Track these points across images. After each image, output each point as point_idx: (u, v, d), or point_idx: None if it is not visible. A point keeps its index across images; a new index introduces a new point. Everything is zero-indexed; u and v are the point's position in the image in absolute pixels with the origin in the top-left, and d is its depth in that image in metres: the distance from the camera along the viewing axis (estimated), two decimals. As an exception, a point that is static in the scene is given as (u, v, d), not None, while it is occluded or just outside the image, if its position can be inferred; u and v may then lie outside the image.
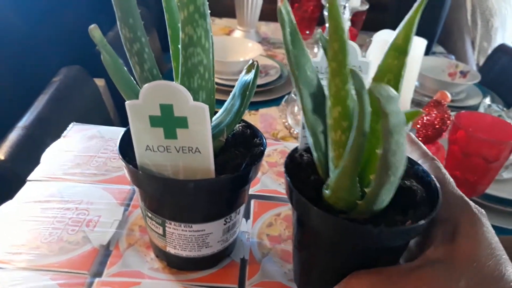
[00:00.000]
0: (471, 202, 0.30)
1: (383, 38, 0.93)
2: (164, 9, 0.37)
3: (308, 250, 0.35)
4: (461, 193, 0.31)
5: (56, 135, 0.60)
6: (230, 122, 0.38)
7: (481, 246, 0.28)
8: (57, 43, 1.25)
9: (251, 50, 1.28)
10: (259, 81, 1.17)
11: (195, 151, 0.33)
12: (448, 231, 0.29)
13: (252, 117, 1.07)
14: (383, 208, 0.30)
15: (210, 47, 0.35)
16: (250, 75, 0.38)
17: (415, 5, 0.29)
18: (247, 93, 0.38)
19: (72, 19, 1.33)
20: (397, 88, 0.30)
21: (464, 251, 0.28)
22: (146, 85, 0.30)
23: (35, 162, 0.54)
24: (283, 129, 1.08)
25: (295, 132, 1.03)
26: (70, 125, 0.61)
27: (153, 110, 0.32)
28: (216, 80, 1.12)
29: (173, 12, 0.37)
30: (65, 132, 0.60)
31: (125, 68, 0.36)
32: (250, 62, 0.38)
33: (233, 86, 1.22)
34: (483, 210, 0.30)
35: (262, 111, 1.13)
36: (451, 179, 0.32)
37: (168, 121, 0.32)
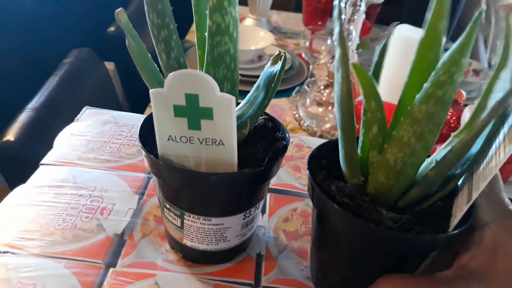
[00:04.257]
0: None
1: (401, 33, 0.92)
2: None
3: (327, 249, 0.35)
4: (507, 200, 0.29)
5: (66, 117, 0.59)
6: (253, 115, 0.37)
7: None
8: (68, 25, 1.23)
9: (263, 39, 1.26)
10: (270, 71, 1.16)
11: (219, 143, 0.32)
12: (487, 239, 0.27)
13: (262, 108, 1.06)
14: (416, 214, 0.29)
15: (237, 36, 0.33)
16: (277, 67, 0.37)
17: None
18: (272, 85, 0.36)
19: (84, 1, 1.32)
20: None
21: (504, 268, 0.26)
22: (172, 73, 0.29)
23: (45, 144, 0.54)
24: (292, 121, 1.07)
25: (305, 125, 1.02)
26: (83, 109, 0.60)
27: (178, 99, 0.31)
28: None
29: (201, -2, 0.36)
30: (78, 116, 0.59)
31: (149, 55, 0.35)
32: (277, 53, 0.37)
33: (243, 75, 1.20)
34: None
35: (272, 102, 1.10)
36: (501, 182, 0.30)
37: (193, 112, 0.31)
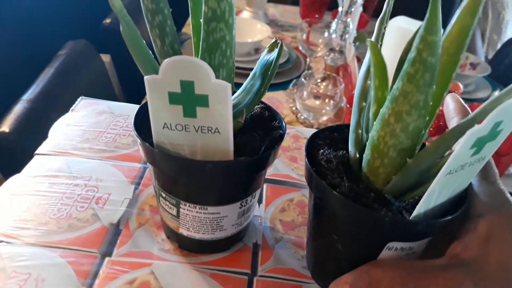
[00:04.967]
0: (511, 200, 0.28)
1: (398, 25, 0.91)
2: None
3: (324, 239, 0.34)
4: (502, 187, 0.29)
5: (62, 108, 0.59)
6: (250, 103, 0.37)
7: None
8: (64, 17, 1.22)
9: (260, 32, 1.26)
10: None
11: (215, 131, 0.32)
12: (482, 229, 0.27)
13: (258, 100, 1.06)
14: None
15: (233, 23, 0.33)
16: (273, 54, 0.36)
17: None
18: (269, 73, 0.36)
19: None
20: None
21: (497, 257, 0.26)
22: (167, 59, 0.29)
23: (40, 135, 0.53)
24: (289, 113, 1.06)
25: (302, 118, 1.02)
26: (79, 99, 0.60)
27: (173, 86, 0.30)
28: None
29: (196, -16, 0.35)
30: (73, 106, 0.58)
31: (144, 41, 0.34)
32: (273, 40, 0.37)
33: (240, 68, 1.20)
34: None
35: (269, 94, 1.11)
36: (496, 169, 0.30)
37: (188, 99, 0.31)
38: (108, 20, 1.14)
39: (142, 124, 0.35)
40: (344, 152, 0.33)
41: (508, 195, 0.29)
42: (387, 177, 0.29)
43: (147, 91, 0.31)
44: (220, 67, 0.34)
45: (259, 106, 0.40)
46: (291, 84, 1.14)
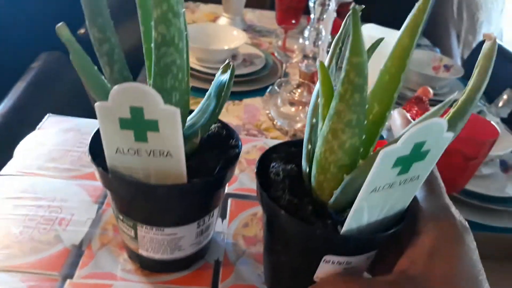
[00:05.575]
0: (456, 215, 0.29)
1: (367, 33, 0.93)
2: (137, 5, 0.36)
3: (277, 255, 0.35)
4: (447, 203, 0.30)
5: (34, 124, 0.58)
6: (205, 124, 0.37)
7: (458, 268, 0.27)
8: (37, 27, 1.21)
9: (236, 39, 1.26)
10: (244, 71, 1.16)
11: (167, 154, 0.33)
12: (426, 244, 0.28)
13: (235, 107, 1.06)
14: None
15: (184, 46, 0.34)
16: (226, 76, 0.37)
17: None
18: (222, 94, 0.37)
19: (53, 2, 1.30)
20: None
21: (440, 272, 0.27)
22: (115, 86, 0.29)
23: (11, 153, 0.53)
24: (266, 120, 1.07)
25: (278, 124, 1.03)
26: (46, 116, 0.60)
27: (123, 112, 0.31)
28: (200, 68, 1.11)
29: (146, 9, 0.36)
30: (40, 124, 0.58)
31: (96, 68, 0.35)
32: (227, 62, 0.38)
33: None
34: (466, 224, 0.29)
35: (246, 101, 1.12)
36: (442, 184, 0.31)
37: (138, 124, 0.31)
38: (82, 31, 1.14)
39: (100, 147, 0.35)
40: (293, 166, 0.34)
41: (453, 210, 0.30)
42: (331, 192, 0.30)
43: (98, 117, 0.31)
44: (173, 90, 0.35)
45: (216, 125, 0.40)
46: (267, 91, 1.15)
